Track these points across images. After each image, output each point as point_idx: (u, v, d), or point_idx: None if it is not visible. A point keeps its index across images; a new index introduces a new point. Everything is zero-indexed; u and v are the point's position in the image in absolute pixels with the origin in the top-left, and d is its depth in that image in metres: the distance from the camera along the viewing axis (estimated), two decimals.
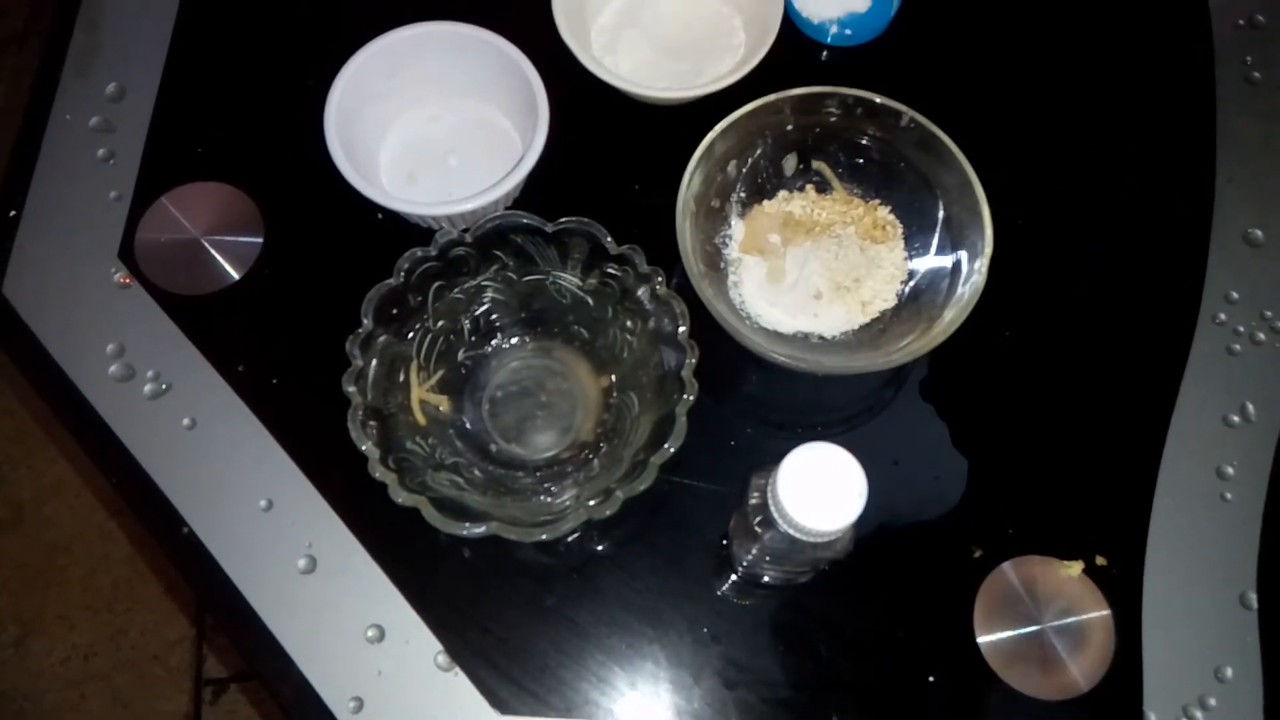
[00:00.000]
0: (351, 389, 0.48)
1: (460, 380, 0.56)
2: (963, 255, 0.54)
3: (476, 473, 0.52)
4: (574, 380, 0.57)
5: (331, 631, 0.52)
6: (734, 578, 0.53)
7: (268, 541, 0.53)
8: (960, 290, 0.53)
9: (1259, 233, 0.62)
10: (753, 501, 0.44)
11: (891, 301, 0.57)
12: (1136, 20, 0.68)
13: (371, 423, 0.48)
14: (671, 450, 0.47)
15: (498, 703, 0.51)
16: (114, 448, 0.55)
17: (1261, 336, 0.60)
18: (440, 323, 0.54)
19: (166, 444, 0.55)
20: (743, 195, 0.59)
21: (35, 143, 0.63)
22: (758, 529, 0.44)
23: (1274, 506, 0.55)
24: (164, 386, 0.57)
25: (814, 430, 0.58)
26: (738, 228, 0.59)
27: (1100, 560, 0.54)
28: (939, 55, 0.67)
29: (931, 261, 0.57)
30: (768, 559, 0.47)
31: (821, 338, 0.57)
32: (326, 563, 0.53)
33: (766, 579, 0.51)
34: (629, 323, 0.53)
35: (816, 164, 0.60)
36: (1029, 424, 0.58)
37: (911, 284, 0.57)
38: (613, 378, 0.55)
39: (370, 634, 0.52)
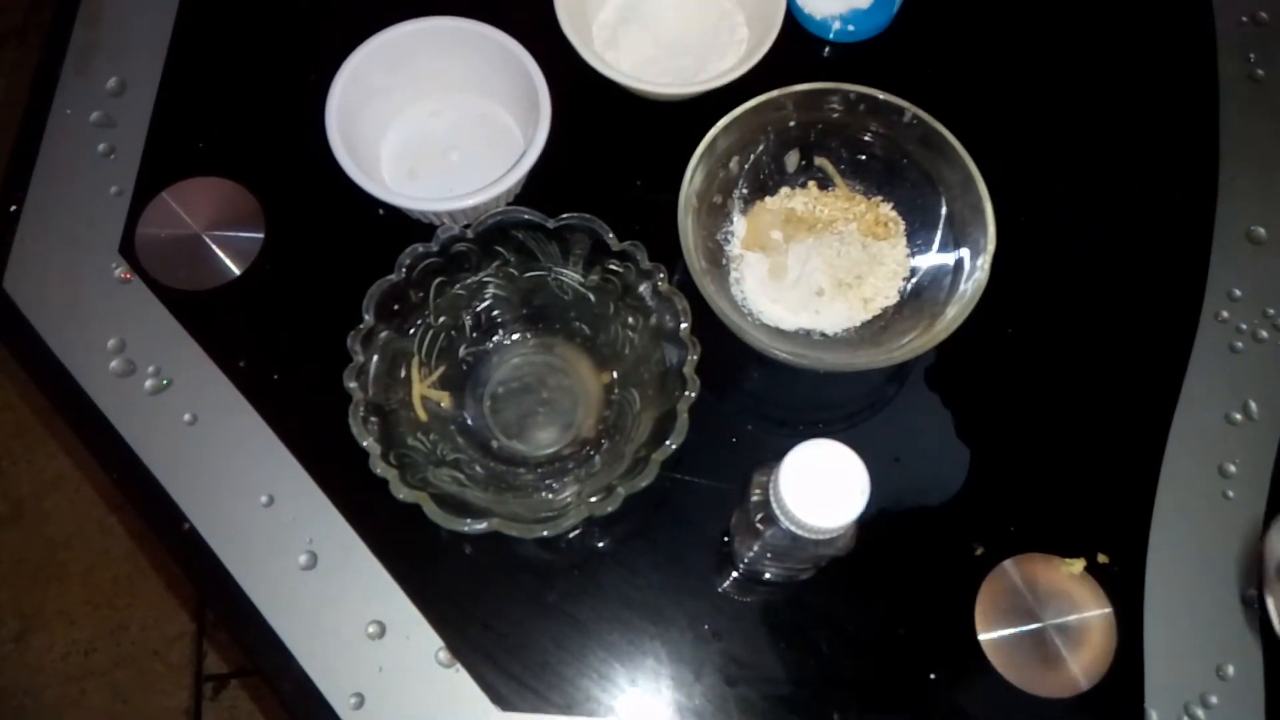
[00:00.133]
0: (353, 385, 0.48)
1: (461, 376, 0.56)
2: (965, 252, 0.54)
3: (478, 469, 0.52)
4: (575, 377, 0.56)
5: (332, 627, 0.52)
6: (735, 575, 0.53)
7: (268, 537, 0.53)
8: (962, 287, 0.53)
9: (1261, 230, 0.62)
10: (754, 498, 0.44)
11: (894, 298, 0.57)
12: (1140, 17, 0.68)
13: (373, 419, 0.48)
14: (673, 447, 0.47)
15: (498, 699, 0.51)
16: (115, 443, 0.55)
17: (1264, 334, 0.60)
18: (442, 319, 0.54)
19: (167, 439, 0.55)
20: (745, 192, 0.59)
21: (36, 138, 0.62)
22: (759, 526, 0.44)
23: (1276, 505, 0.55)
24: (165, 382, 0.57)
25: (816, 427, 0.58)
26: (740, 224, 0.59)
27: (1102, 558, 0.54)
28: (942, 51, 0.67)
29: (934, 258, 0.57)
30: (769, 556, 0.47)
31: (823, 335, 0.57)
32: (327, 559, 0.53)
33: (768, 576, 0.51)
34: (631, 319, 0.53)
35: (819, 160, 0.59)
36: (1031, 421, 0.58)
37: (914, 281, 0.57)
38: (614, 374, 0.55)
39: (371, 630, 0.52)
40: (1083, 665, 0.52)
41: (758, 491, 0.44)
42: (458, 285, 0.54)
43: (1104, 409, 0.58)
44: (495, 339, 0.57)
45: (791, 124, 0.57)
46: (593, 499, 0.47)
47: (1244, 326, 0.60)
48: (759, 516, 0.44)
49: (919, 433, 0.57)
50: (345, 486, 0.54)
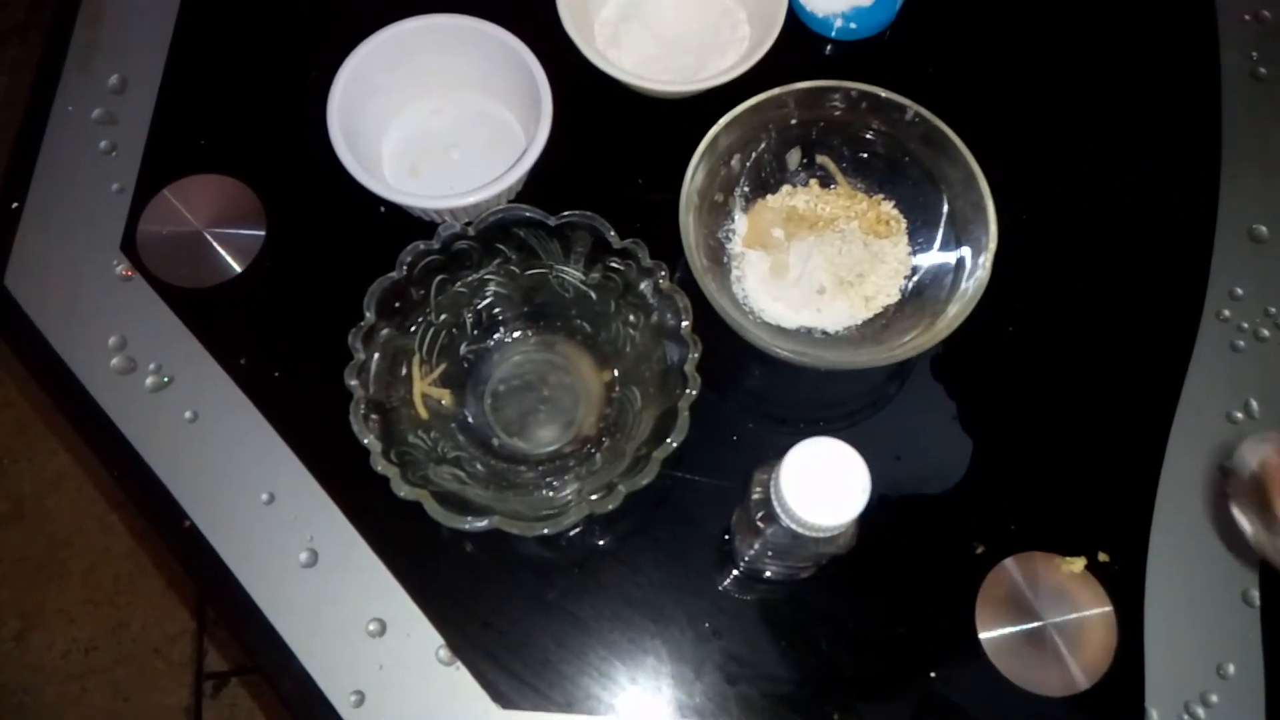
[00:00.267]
0: (353, 382, 0.48)
1: (462, 374, 0.56)
2: (967, 250, 0.54)
3: (478, 466, 0.52)
4: (576, 374, 0.56)
5: (333, 625, 0.52)
6: (736, 573, 0.53)
7: (269, 535, 0.53)
8: (964, 285, 0.53)
9: (1263, 229, 0.62)
10: (755, 496, 0.44)
11: (895, 297, 0.57)
12: (1142, 15, 0.68)
13: (373, 416, 0.48)
14: (674, 445, 0.47)
15: (499, 697, 0.51)
16: (115, 441, 0.55)
17: (1265, 333, 0.59)
18: (443, 316, 0.54)
19: (168, 437, 0.55)
20: (746, 190, 0.59)
21: (37, 135, 0.62)
22: (760, 524, 0.44)
23: None
24: (166, 379, 0.57)
25: (817, 425, 0.58)
26: (741, 222, 0.59)
27: (1103, 556, 0.54)
28: (944, 49, 0.67)
29: (935, 257, 0.57)
30: (770, 554, 0.47)
31: (825, 333, 0.57)
32: (328, 556, 0.53)
33: (768, 574, 0.51)
34: (632, 317, 0.53)
35: (820, 158, 0.59)
36: (1032, 419, 0.58)
37: (915, 279, 0.57)
38: (615, 372, 0.55)
39: (371, 628, 0.52)
40: (1083, 664, 0.52)
41: (758, 489, 0.44)
42: (459, 283, 0.54)
43: (1105, 407, 0.58)
44: (496, 337, 0.57)
45: (793, 122, 0.57)
46: (593, 497, 0.47)
47: (1245, 325, 0.60)
48: (760, 514, 0.44)
49: (920, 431, 0.57)
50: (346, 484, 0.54)
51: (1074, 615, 0.52)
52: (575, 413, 0.55)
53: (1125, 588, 0.53)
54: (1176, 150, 0.65)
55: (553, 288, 0.55)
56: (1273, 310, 0.60)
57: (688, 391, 0.48)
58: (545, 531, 0.46)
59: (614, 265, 0.52)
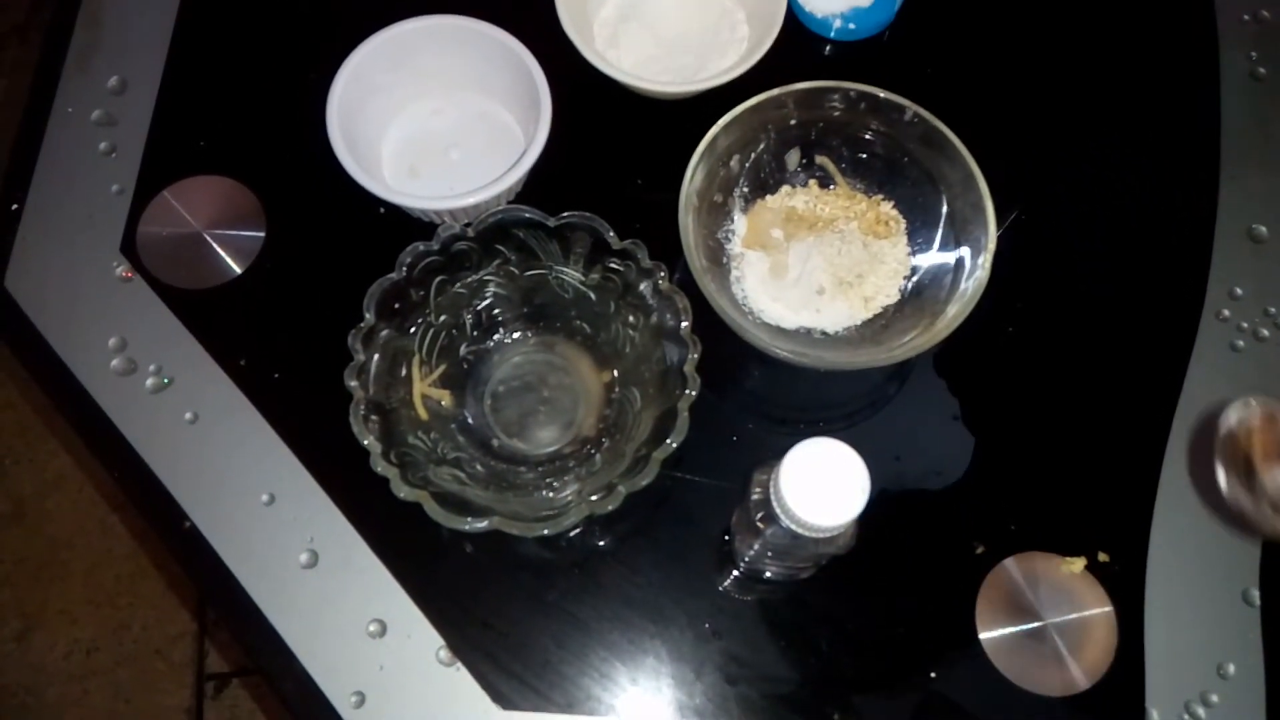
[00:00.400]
0: (353, 383, 0.48)
1: (462, 375, 0.56)
2: (966, 251, 0.54)
3: (478, 467, 0.52)
4: (576, 375, 0.56)
5: (333, 626, 0.52)
6: (736, 573, 0.53)
7: (269, 536, 0.53)
8: (963, 286, 0.53)
9: (1263, 229, 0.62)
10: (755, 497, 0.44)
11: (894, 297, 0.57)
12: (1141, 15, 0.68)
13: (373, 417, 0.48)
14: (674, 445, 0.47)
15: (499, 698, 0.51)
16: (116, 442, 0.55)
17: (1265, 333, 0.59)
18: (442, 317, 0.54)
19: (168, 438, 0.55)
20: (745, 190, 0.59)
21: (37, 136, 0.62)
22: (760, 524, 0.44)
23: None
24: (166, 381, 0.57)
25: (816, 426, 0.58)
26: (740, 223, 0.59)
27: (1103, 556, 0.54)
28: (943, 50, 0.67)
29: (935, 257, 0.57)
30: (770, 554, 0.47)
31: (824, 333, 0.57)
32: (328, 557, 0.53)
33: (768, 574, 0.51)
34: (631, 318, 0.53)
35: (819, 159, 0.59)
36: (1032, 420, 0.58)
37: (914, 279, 0.57)
38: (615, 373, 0.55)
39: (372, 629, 0.52)
40: (1083, 664, 0.52)
41: (758, 490, 0.44)
42: (458, 284, 0.54)
43: (1105, 407, 0.58)
44: (496, 337, 0.57)
45: (792, 122, 0.57)
46: (593, 497, 0.47)
47: (1245, 325, 0.60)
48: (759, 515, 0.44)
49: (919, 431, 0.57)
50: (346, 485, 0.54)
51: (1074, 615, 0.52)
52: (575, 413, 0.55)
53: (1125, 588, 0.53)
54: (1176, 150, 0.65)
55: (552, 288, 0.55)
56: (1272, 310, 0.60)
57: (687, 392, 0.48)
58: (545, 532, 0.46)
59: (613, 266, 0.52)
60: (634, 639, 0.52)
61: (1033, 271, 0.61)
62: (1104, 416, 0.58)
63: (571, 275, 0.54)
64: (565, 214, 0.51)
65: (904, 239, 0.58)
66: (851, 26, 0.66)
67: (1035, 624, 0.52)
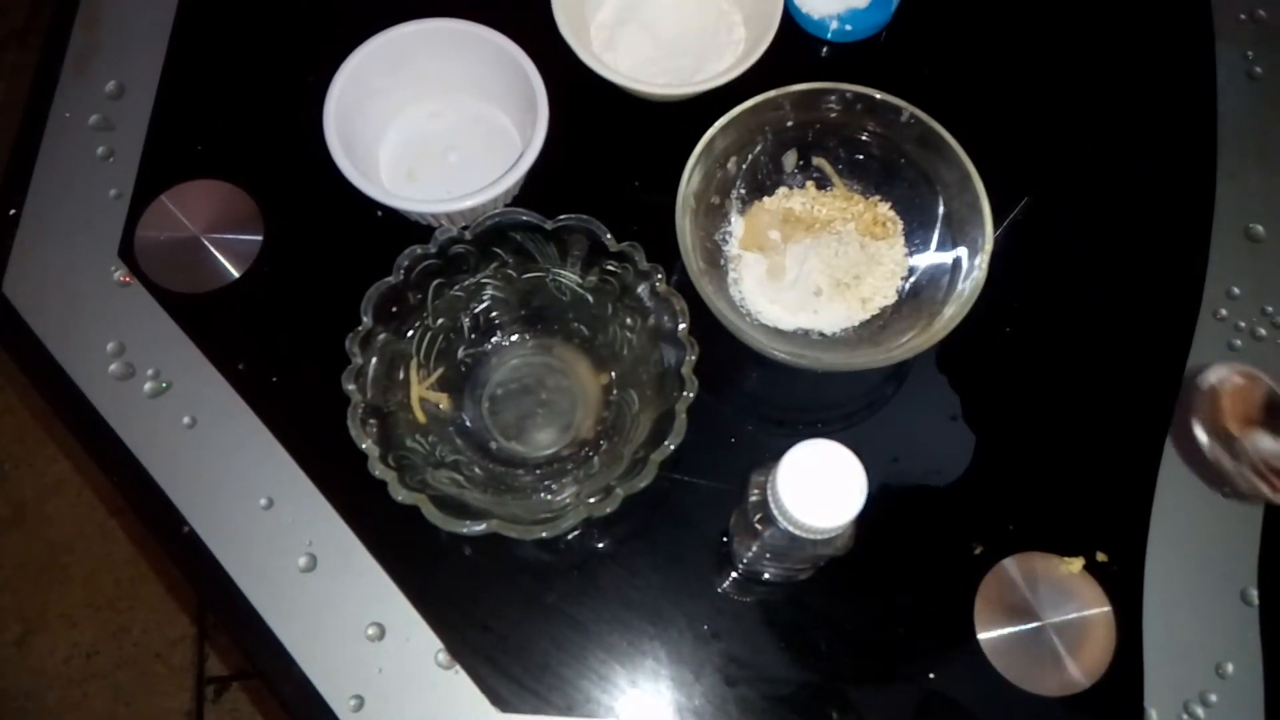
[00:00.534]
0: (351, 387, 0.48)
1: (460, 378, 0.56)
2: (963, 251, 0.54)
3: (477, 470, 0.52)
4: (574, 377, 0.57)
5: (332, 629, 0.52)
6: (734, 575, 0.53)
7: (268, 540, 0.53)
8: (960, 286, 0.53)
9: (1260, 228, 0.62)
10: (753, 499, 0.44)
11: (892, 298, 0.57)
12: (1137, 14, 0.68)
13: (371, 421, 0.48)
14: (671, 447, 0.47)
15: (498, 700, 0.51)
16: (114, 446, 0.55)
17: (1263, 332, 0.59)
18: (440, 320, 0.54)
19: (167, 442, 0.55)
20: (742, 192, 0.59)
21: (35, 141, 0.62)
22: (758, 526, 0.44)
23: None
24: (164, 385, 0.57)
25: (814, 427, 0.58)
26: (737, 224, 0.59)
27: (1101, 556, 0.54)
28: (939, 51, 0.67)
29: (932, 257, 0.57)
30: (768, 556, 0.47)
31: (822, 334, 0.57)
32: (327, 561, 0.53)
33: (767, 576, 0.51)
34: (629, 320, 0.53)
35: (816, 160, 0.59)
36: (1030, 420, 0.58)
37: (912, 280, 0.57)
38: (612, 375, 0.55)
39: (371, 632, 0.52)
40: (1082, 664, 0.52)
41: (756, 492, 0.44)
42: (456, 287, 0.54)
43: (1103, 407, 0.58)
44: (494, 340, 0.57)
45: (789, 124, 0.57)
46: (591, 500, 0.47)
47: (1243, 324, 0.60)
48: (757, 517, 0.44)
49: (917, 432, 0.57)
50: (344, 489, 0.54)
51: (1073, 615, 0.52)
52: (573, 416, 0.56)
53: (1124, 587, 0.53)
54: (1173, 150, 0.65)
55: (550, 291, 0.55)
56: (1270, 309, 0.60)
57: (685, 394, 0.48)
58: (543, 535, 0.46)
59: (611, 268, 0.52)
60: (633, 641, 0.52)
61: (1030, 272, 0.61)
62: (1102, 416, 0.58)
63: (569, 278, 0.54)
64: (562, 216, 0.51)
65: (901, 240, 0.58)
66: (848, 28, 0.66)
67: (1034, 624, 0.52)
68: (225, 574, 0.53)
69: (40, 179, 0.62)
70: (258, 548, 0.53)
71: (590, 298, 0.54)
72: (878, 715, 0.52)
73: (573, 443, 0.55)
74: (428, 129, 0.63)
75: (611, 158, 0.63)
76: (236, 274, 0.60)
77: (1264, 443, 0.49)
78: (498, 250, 0.53)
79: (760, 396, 0.59)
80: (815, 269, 0.57)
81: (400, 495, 0.46)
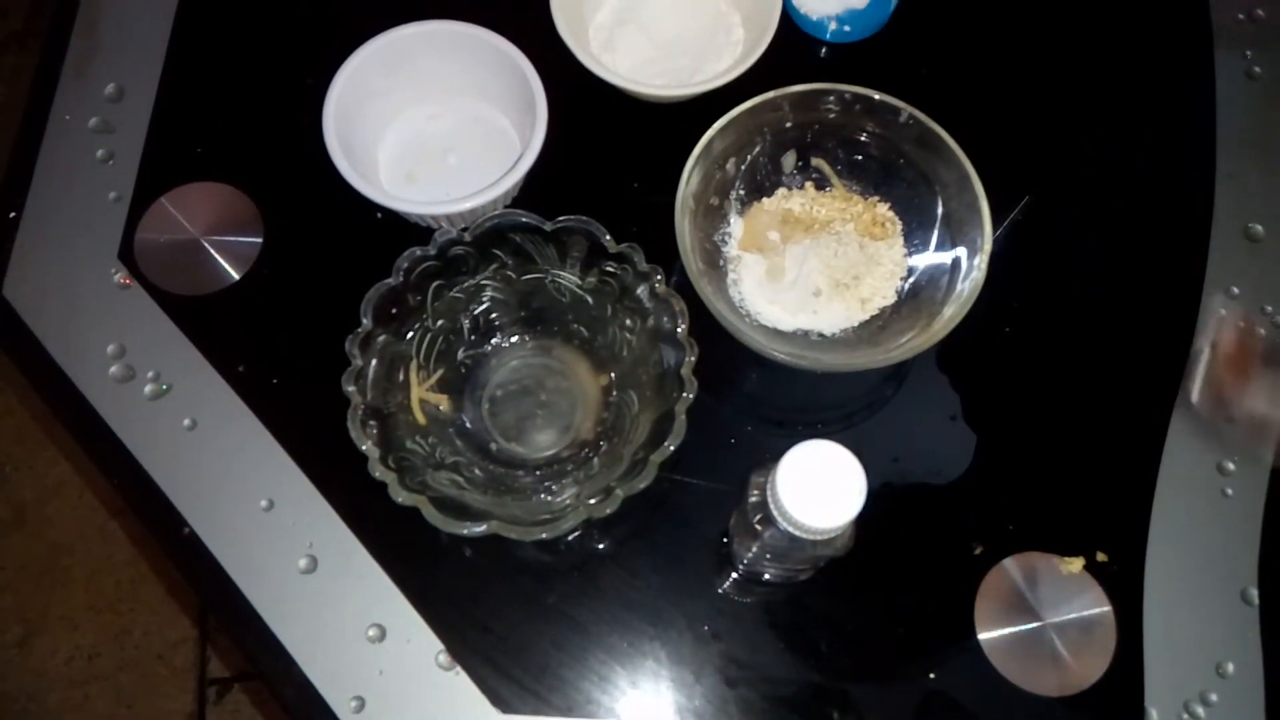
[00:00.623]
0: (351, 389, 0.48)
1: (460, 379, 0.56)
2: (962, 251, 0.54)
3: (477, 472, 0.52)
4: (573, 379, 0.57)
5: (333, 631, 0.52)
6: (734, 575, 0.53)
7: (269, 541, 0.54)
8: (960, 286, 0.53)
9: (1259, 228, 0.62)
10: (752, 499, 0.44)
11: (891, 298, 0.57)
12: (1136, 14, 0.68)
13: (371, 422, 0.48)
14: (671, 448, 0.47)
15: (499, 702, 0.51)
16: (115, 448, 0.55)
17: (1261, 332, 0.59)
18: (439, 322, 0.54)
19: (167, 444, 0.55)
20: (741, 193, 0.59)
21: (35, 144, 0.63)
22: (758, 527, 0.44)
23: (1274, 502, 0.55)
24: (164, 387, 0.57)
25: (814, 428, 0.58)
26: (737, 225, 0.59)
27: (1101, 556, 0.54)
28: (937, 51, 0.67)
29: (931, 258, 0.57)
30: (768, 557, 0.47)
31: (821, 335, 0.57)
32: (327, 562, 0.53)
33: (767, 576, 0.51)
34: (628, 321, 0.53)
35: (815, 161, 0.59)
36: (1029, 420, 0.58)
37: (911, 280, 0.57)
38: (612, 376, 0.55)
39: (371, 633, 0.52)
40: (1082, 664, 0.52)
41: (755, 493, 0.44)
42: (455, 288, 0.54)
43: (1102, 407, 0.58)
44: (493, 342, 0.57)
45: (788, 125, 0.57)
46: (591, 501, 0.47)
47: (1242, 324, 0.60)
48: (757, 518, 0.44)
49: (917, 432, 0.57)
50: (345, 490, 0.54)
51: (1073, 615, 0.52)
52: (572, 417, 0.56)
53: (1124, 587, 0.53)
54: (1172, 150, 0.65)
55: (549, 292, 0.55)
56: (1269, 308, 0.60)
57: (684, 395, 0.48)
58: (543, 536, 0.46)
59: (610, 269, 0.52)
60: (633, 642, 0.52)
61: (1029, 271, 0.61)
62: (1102, 416, 0.58)
63: (568, 279, 0.54)
64: (561, 218, 0.51)
65: (900, 240, 0.58)
66: (846, 29, 0.66)
67: (1034, 624, 0.52)
68: (226, 575, 0.53)
69: (40, 181, 0.62)
70: (258, 549, 0.53)
71: (590, 299, 0.54)
72: (878, 715, 0.52)
73: (572, 444, 0.55)
74: (427, 131, 0.63)
75: (610, 159, 0.63)
76: (236, 276, 0.60)
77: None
78: (497, 252, 0.53)
79: (760, 397, 0.59)
80: (814, 270, 0.57)
81: (400, 497, 0.46)
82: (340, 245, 0.60)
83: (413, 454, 0.50)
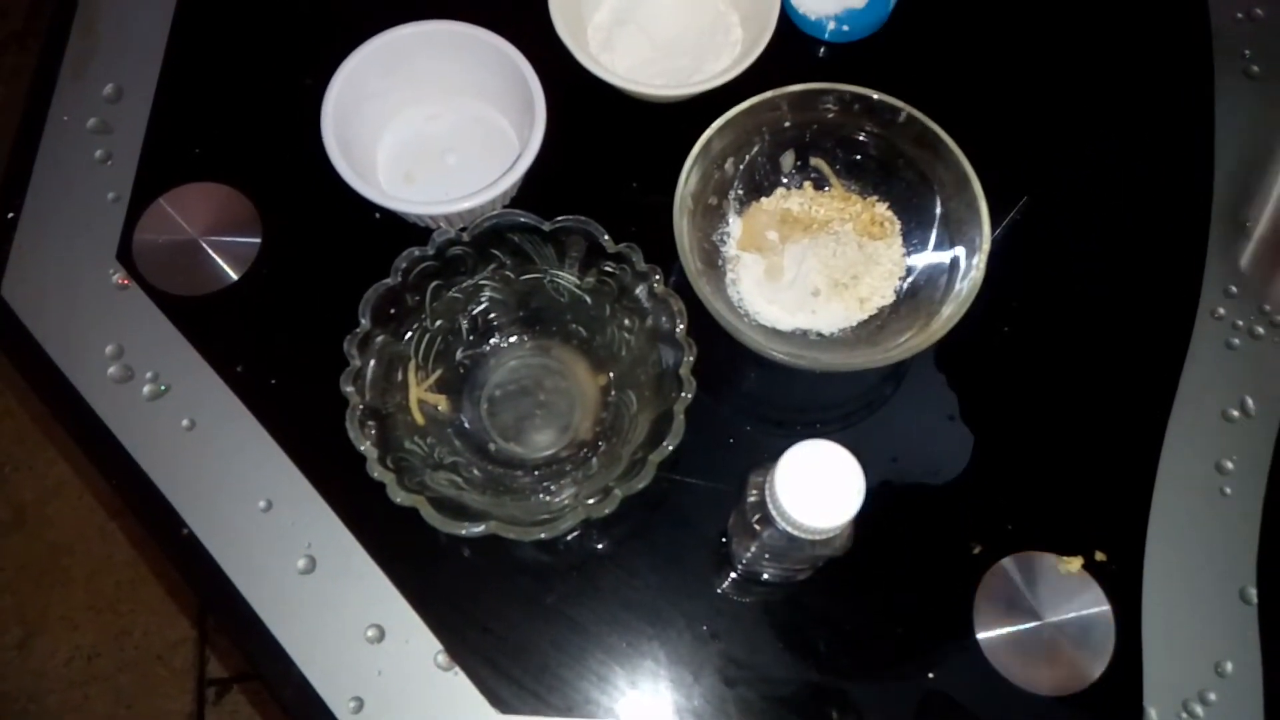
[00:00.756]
0: (350, 389, 0.48)
1: (458, 379, 0.56)
2: (960, 251, 0.54)
3: (475, 472, 0.52)
4: (572, 379, 0.57)
5: (332, 632, 0.52)
6: (733, 575, 0.53)
7: (267, 542, 0.54)
8: (958, 286, 0.53)
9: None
10: (751, 499, 0.44)
11: (890, 298, 0.57)
12: (1134, 14, 0.68)
13: (370, 423, 0.48)
14: (670, 448, 0.47)
15: (498, 702, 0.51)
16: (113, 449, 0.55)
17: (1260, 330, 0.60)
18: (438, 322, 0.54)
19: (166, 445, 0.55)
20: (740, 192, 0.59)
21: (33, 144, 0.63)
22: (756, 527, 0.44)
23: (1273, 501, 0.55)
24: (163, 387, 0.57)
25: (812, 427, 0.58)
26: (735, 225, 0.59)
27: (1100, 555, 0.54)
28: (936, 51, 0.67)
29: (929, 257, 0.57)
30: (766, 556, 0.47)
31: (820, 335, 0.57)
32: (326, 563, 0.53)
33: (765, 576, 0.51)
34: (627, 321, 0.53)
35: (814, 161, 0.59)
36: (1028, 419, 0.58)
37: (909, 280, 0.57)
38: (611, 376, 0.55)
39: (370, 634, 0.52)
40: (1081, 663, 0.52)
41: (754, 492, 0.44)
42: (454, 289, 0.54)
43: (1101, 406, 0.58)
44: (492, 342, 0.57)
45: (786, 124, 0.57)
46: (590, 501, 0.47)
47: (1240, 323, 0.60)
48: (756, 517, 0.44)
49: (916, 432, 0.57)
50: (343, 490, 0.54)
51: (1072, 614, 0.52)
52: (571, 417, 0.56)
53: (1123, 586, 0.53)
54: (1170, 149, 0.65)
55: (548, 292, 0.55)
56: (1268, 308, 0.60)
57: (683, 395, 0.48)
58: (542, 536, 0.46)
59: (608, 269, 0.52)
60: (632, 642, 0.52)
61: (1028, 271, 0.61)
62: (1100, 415, 0.58)
63: (567, 279, 0.54)
64: (560, 218, 0.51)
65: (899, 240, 0.58)
66: (845, 28, 0.66)
67: (1033, 623, 0.52)
68: (225, 576, 0.53)
69: (38, 182, 0.62)
70: (257, 550, 0.53)
71: (588, 299, 0.54)
72: (877, 715, 0.52)
73: (571, 444, 0.55)
74: (425, 131, 0.63)
75: (609, 159, 0.63)
76: (235, 276, 0.60)
77: None
78: (495, 252, 0.53)
79: (758, 397, 0.59)
80: (813, 269, 0.57)
81: (399, 497, 0.46)
82: (339, 245, 0.60)
83: (411, 454, 0.50)
